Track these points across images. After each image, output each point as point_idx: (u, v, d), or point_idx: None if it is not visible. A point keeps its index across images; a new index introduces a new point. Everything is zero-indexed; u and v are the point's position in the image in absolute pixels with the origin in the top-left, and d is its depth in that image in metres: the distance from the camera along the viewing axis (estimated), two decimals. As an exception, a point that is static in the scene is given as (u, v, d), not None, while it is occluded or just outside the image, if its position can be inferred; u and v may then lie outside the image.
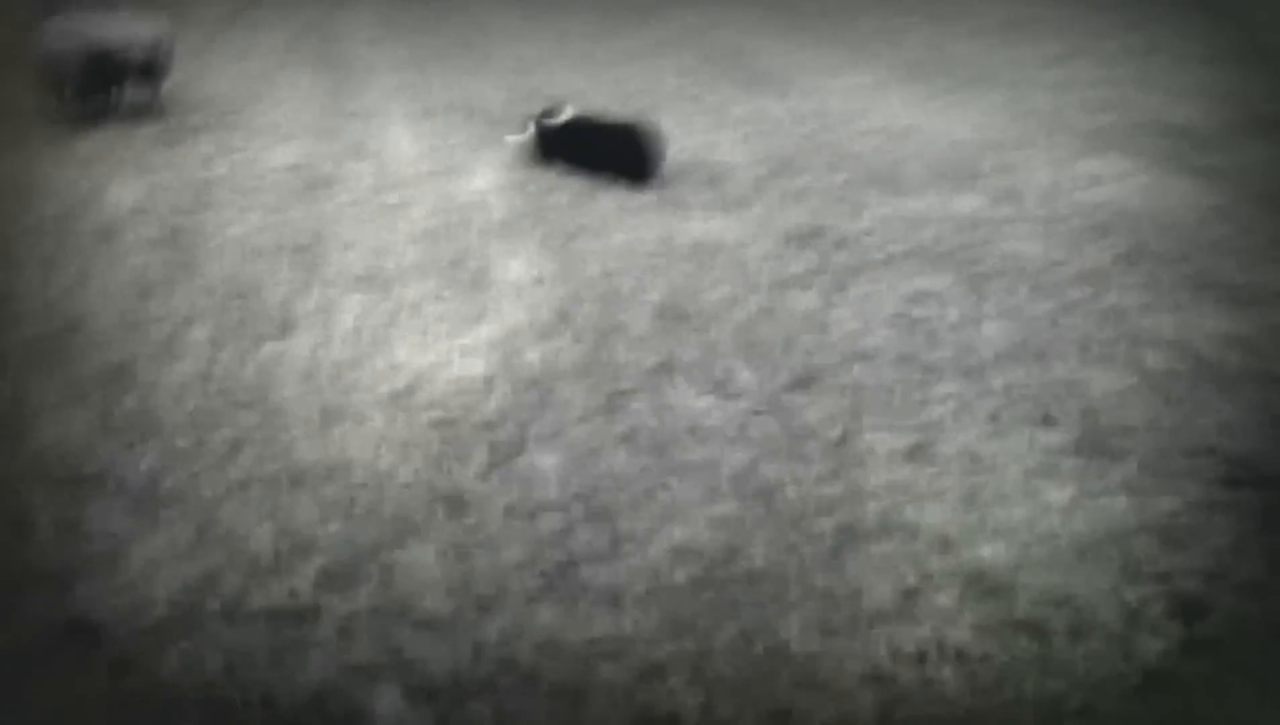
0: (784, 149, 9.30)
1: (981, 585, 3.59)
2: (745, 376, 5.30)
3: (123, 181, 8.40)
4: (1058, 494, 4.15)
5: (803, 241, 7.09)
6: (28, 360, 5.60)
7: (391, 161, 8.95)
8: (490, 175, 8.54)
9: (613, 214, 7.66)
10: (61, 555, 4.05)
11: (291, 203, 7.93)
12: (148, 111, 10.48)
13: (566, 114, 8.86)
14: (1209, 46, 13.36)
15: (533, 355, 5.54)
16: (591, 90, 11.47)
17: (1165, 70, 12.12)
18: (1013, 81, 11.81)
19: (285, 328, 5.92)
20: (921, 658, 3.36)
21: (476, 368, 5.41)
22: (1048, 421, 4.73)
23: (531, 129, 8.89)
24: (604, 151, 8.50)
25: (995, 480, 4.26)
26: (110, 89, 10.44)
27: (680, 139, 9.42)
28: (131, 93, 10.61)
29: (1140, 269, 6.48)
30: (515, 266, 6.70)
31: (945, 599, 3.53)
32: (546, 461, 4.62)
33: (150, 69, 10.36)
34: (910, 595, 3.57)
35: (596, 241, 7.13)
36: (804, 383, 5.21)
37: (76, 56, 10.04)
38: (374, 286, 6.45)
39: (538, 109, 9.77)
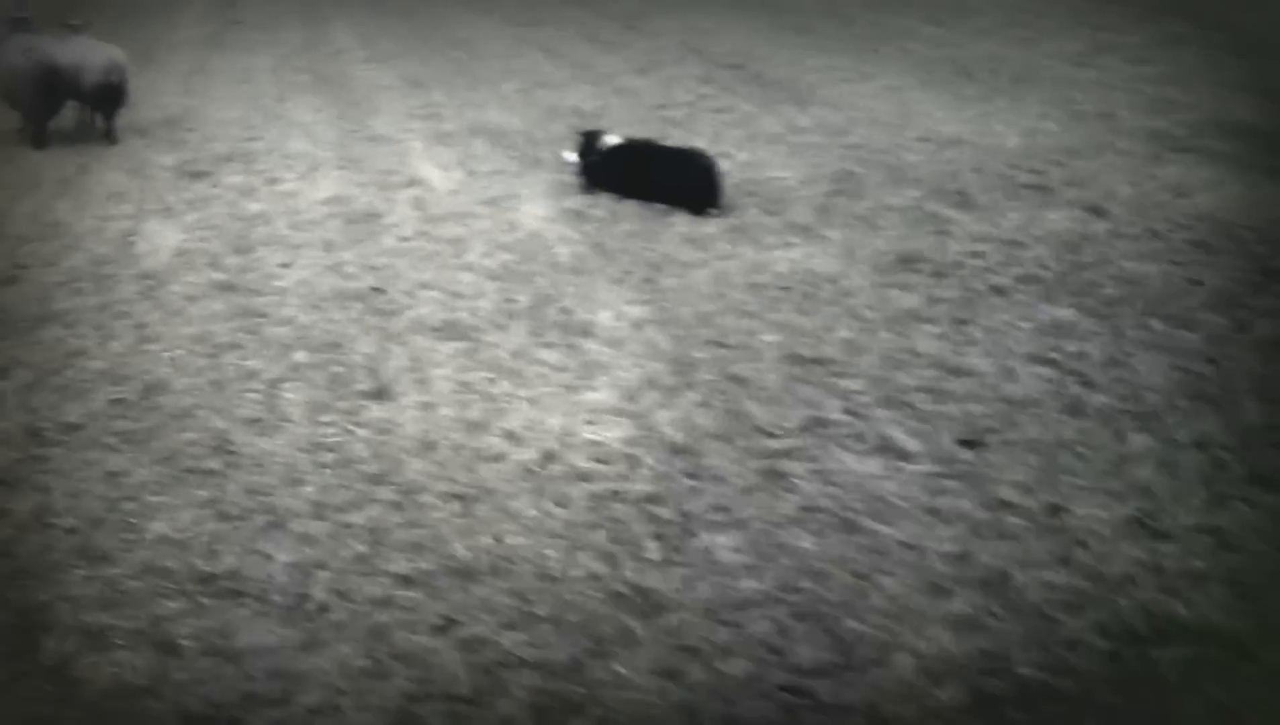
0: (833, 164, 8.86)
1: (1316, 704, 3.16)
2: (904, 434, 4.83)
3: (157, 221, 7.79)
4: (1334, 577, 3.74)
5: (900, 271, 6.65)
6: (113, 431, 5.02)
7: (431, 192, 8.37)
8: (540, 205, 8.00)
9: (685, 246, 7.16)
10: (220, 683, 3.51)
11: (343, 241, 7.34)
12: (105, 137, 9.94)
13: (612, 139, 8.36)
14: (1231, 38, 13.13)
15: (665, 417, 5.03)
16: (608, 107, 10.97)
17: (1200, 65, 11.85)
18: (1045, 82, 11.46)
19: (381, 388, 5.36)
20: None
21: (610, 434, 4.89)
22: (1269, 484, 4.31)
23: (574, 155, 8.38)
24: (663, 179, 8.01)
25: (1253, 562, 3.83)
26: (61, 110, 9.92)
27: (720, 157, 8.98)
28: (87, 115, 10.13)
29: (1273, 291, 6.12)
30: (605, 310, 6.19)
31: (1282, 724, 3.11)
32: (725, 546, 4.13)
33: (105, 93, 9.77)
34: (1237, 721, 3.13)
35: (680, 278, 6.64)
36: (974, 441, 4.76)
37: (28, 76, 9.48)
38: (458, 337, 5.90)
39: (568, 130, 9.32)
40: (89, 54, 9.61)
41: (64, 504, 4.47)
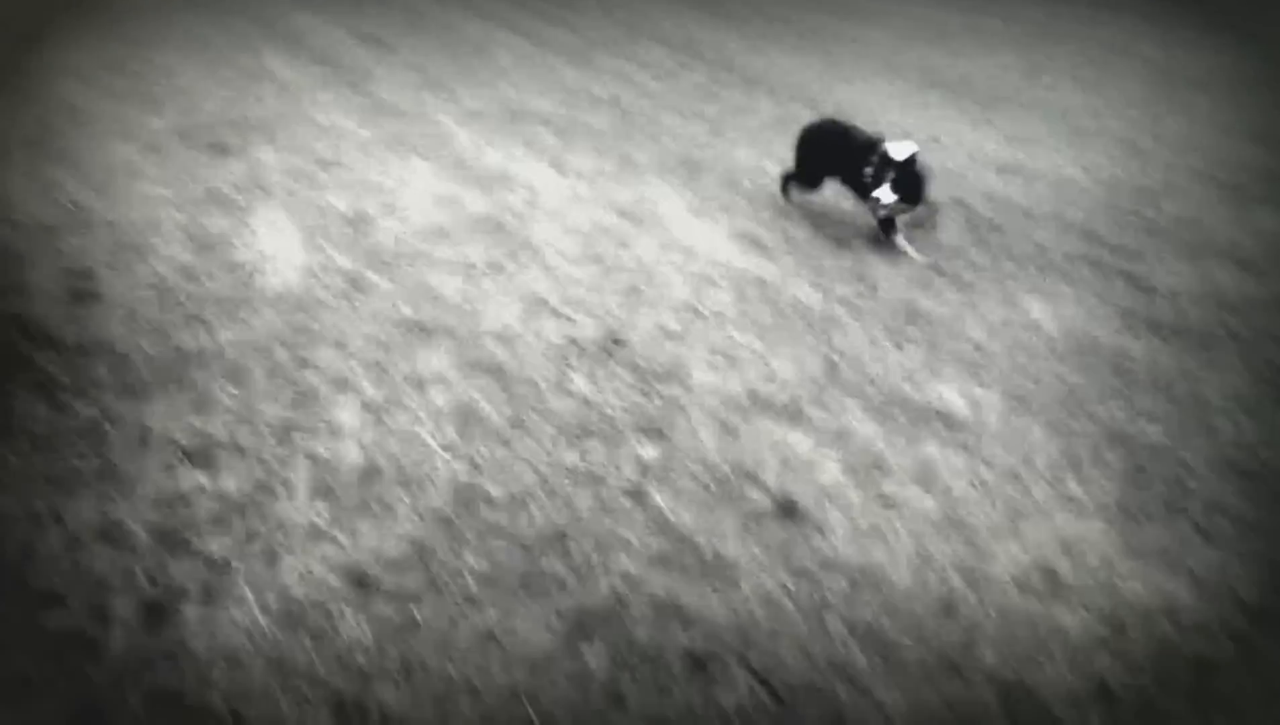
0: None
1: None
2: None
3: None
4: None
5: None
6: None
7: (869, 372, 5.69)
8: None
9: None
10: None
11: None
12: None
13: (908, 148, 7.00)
14: (1219, 63, 13.17)
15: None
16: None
17: (1205, 102, 11.54)
18: (1047, 109, 10.86)
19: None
20: None
21: (1170, 586, 4.10)
22: None
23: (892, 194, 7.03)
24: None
25: None
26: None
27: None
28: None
29: None
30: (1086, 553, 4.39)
31: None
32: None
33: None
34: None
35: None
36: None
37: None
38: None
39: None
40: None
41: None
